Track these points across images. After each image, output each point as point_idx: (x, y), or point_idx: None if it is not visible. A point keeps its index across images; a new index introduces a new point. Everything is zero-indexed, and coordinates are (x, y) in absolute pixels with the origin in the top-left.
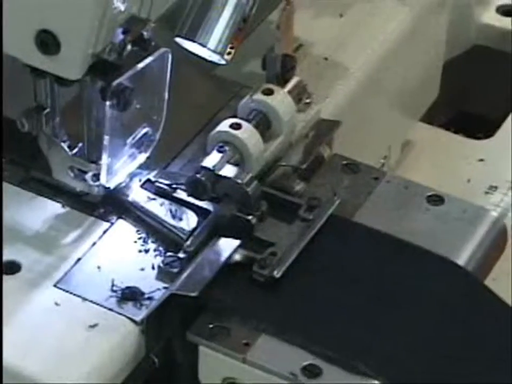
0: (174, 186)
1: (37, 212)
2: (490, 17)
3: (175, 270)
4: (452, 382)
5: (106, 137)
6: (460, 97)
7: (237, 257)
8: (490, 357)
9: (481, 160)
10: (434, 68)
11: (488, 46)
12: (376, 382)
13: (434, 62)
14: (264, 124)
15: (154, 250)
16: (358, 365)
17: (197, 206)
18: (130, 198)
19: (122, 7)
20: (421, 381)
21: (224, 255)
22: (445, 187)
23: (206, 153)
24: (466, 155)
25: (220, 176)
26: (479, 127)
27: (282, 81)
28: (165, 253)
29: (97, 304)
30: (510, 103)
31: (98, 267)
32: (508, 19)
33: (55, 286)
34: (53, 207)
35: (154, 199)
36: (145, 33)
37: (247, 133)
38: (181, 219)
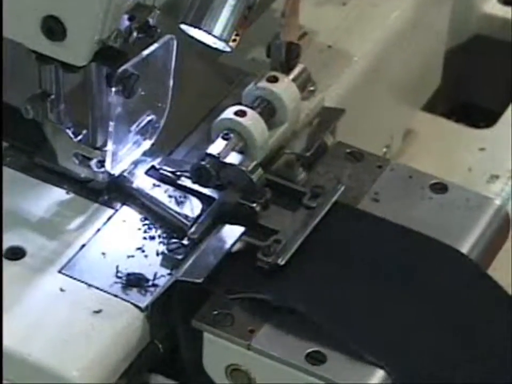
0: (179, 173)
1: (42, 198)
2: (492, 7)
3: (180, 257)
4: (454, 370)
5: (111, 124)
6: (461, 86)
7: (241, 244)
8: (490, 346)
9: (482, 149)
10: (436, 57)
11: (489, 35)
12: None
13: (436, 51)
14: (269, 111)
15: (159, 237)
16: (363, 354)
17: (202, 193)
18: (134, 185)
19: None
20: (424, 370)
21: (229, 242)
22: (446, 176)
23: (211, 141)
24: (467, 144)
25: (225, 163)
26: (480, 116)
27: (286, 68)
28: (170, 239)
29: (102, 290)
30: (511, 92)
31: (103, 253)
32: (509, 8)
33: (59, 272)
34: (58, 194)
35: (158, 186)
36: (150, 20)
37: (252, 120)
38: (185, 206)
